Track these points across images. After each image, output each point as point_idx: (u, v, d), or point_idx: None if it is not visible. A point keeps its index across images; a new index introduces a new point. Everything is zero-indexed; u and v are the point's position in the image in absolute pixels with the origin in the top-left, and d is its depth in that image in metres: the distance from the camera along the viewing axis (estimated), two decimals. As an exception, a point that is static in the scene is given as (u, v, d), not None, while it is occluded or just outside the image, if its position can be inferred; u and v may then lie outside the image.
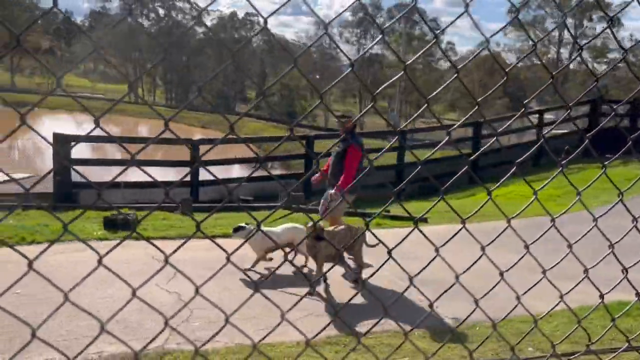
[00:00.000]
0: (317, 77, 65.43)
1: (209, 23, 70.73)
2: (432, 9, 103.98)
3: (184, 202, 8.43)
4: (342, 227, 5.80)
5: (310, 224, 5.43)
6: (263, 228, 5.68)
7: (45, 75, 59.68)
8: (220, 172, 15.65)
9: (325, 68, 66.87)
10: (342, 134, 6.51)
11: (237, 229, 5.94)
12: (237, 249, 1.45)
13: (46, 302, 4.70)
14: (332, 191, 6.38)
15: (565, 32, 50.59)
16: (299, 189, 11.04)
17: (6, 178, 12.12)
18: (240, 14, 72.22)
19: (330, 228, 5.85)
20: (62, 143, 9.74)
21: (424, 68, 58.49)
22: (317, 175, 6.90)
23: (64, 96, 53.83)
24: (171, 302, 4.87)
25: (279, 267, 5.61)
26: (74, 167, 10.13)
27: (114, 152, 22.97)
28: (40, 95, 51.67)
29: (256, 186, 12.25)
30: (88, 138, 12.46)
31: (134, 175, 12.27)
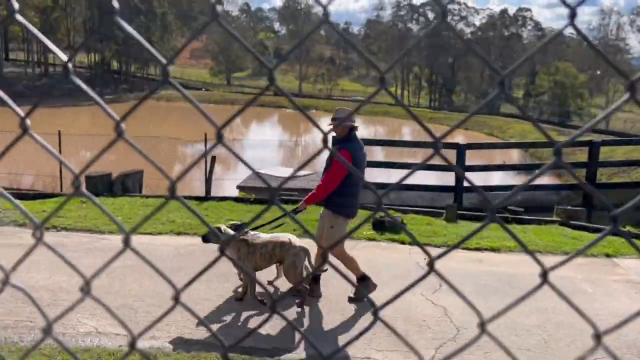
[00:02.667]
0: (598, 72, 57.99)
1: (477, 22, 69.08)
2: None
3: (449, 208, 8.21)
4: (271, 238, 4.85)
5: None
6: (252, 233, 4.67)
7: (326, 82, 66.89)
8: (483, 178, 14.98)
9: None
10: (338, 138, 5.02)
11: (238, 227, 5.04)
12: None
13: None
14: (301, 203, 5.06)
15: None
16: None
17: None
18: (512, 11, 68.62)
19: (260, 240, 4.87)
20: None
21: None
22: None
23: (339, 100, 59.46)
24: (436, 316, 4.70)
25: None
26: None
27: (379, 152, 24.24)
28: (321, 100, 58.01)
29: (526, 195, 11.29)
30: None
31: (397, 176, 12.61)
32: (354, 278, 5.03)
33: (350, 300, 4.97)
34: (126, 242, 0.71)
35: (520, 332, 4.42)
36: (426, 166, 12.50)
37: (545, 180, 22.45)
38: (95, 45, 57.07)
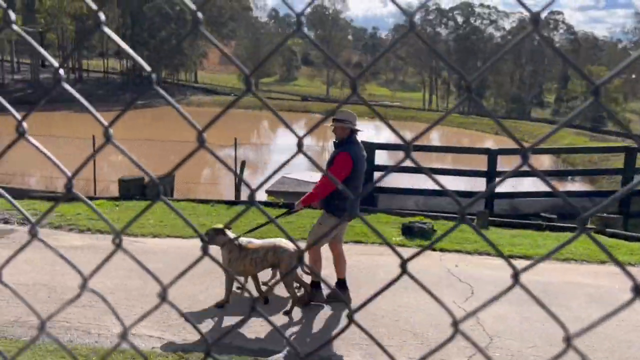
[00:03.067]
0: (633, 76, 56.46)
1: (507, 26, 68.12)
2: None
3: (480, 214, 8.09)
4: (263, 243, 4.85)
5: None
6: (242, 239, 4.66)
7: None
8: (512, 184, 14.70)
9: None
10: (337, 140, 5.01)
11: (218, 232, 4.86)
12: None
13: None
14: (297, 202, 5.01)
15: None
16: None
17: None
18: (543, 14, 67.37)
19: (253, 245, 4.83)
20: (366, 150, 10.52)
21: None
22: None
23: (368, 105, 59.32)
24: (468, 324, 4.63)
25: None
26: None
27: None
28: (348, 105, 58.07)
29: (556, 201, 11.06)
30: (388, 146, 13.24)
31: (425, 182, 12.51)
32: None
33: (286, 313, 4.85)
34: (205, 251, 0.72)
35: (556, 341, 4.31)
36: (455, 171, 12.36)
37: (577, 186, 21.93)
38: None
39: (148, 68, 0.59)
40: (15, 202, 0.83)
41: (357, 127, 5.01)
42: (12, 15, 0.65)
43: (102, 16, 0.56)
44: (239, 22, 72.03)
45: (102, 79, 59.29)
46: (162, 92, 0.60)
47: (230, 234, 4.94)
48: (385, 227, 7.89)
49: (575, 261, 6.64)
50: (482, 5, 69.75)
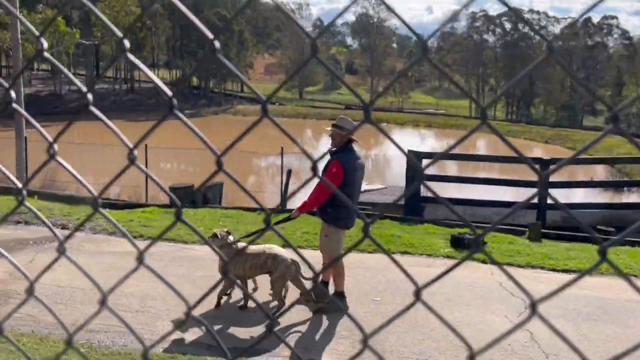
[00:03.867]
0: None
1: (558, 32, 66.06)
2: None
3: (533, 227, 7.85)
4: (262, 249, 4.98)
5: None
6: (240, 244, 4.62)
7: (397, 94, 66.51)
8: (565, 195, 14.15)
9: None
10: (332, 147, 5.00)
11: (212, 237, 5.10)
12: None
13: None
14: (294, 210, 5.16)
15: None
16: None
17: (365, 188, 13.77)
18: (596, 19, 65.01)
19: (252, 250, 4.95)
20: (415, 159, 10.39)
21: None
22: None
23: (410, 113, 58.84)
24: (522, 341, 4.48)
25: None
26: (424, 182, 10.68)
27: (451, 167, 23.65)
28: (392, 113, 57.61)
29: (613, 214, 10.60)
30: (437, 155, 13.03)
31: (472, 192, 12.25)
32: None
33: (316, 311, 4.92)
34: (316, 281, 0.72)
35: (617, 363, 4.11)
36: (505, 181, 12.04)
37: (635, 198, 20.95)
38: (177, 62, 60.11)
39: (262, 98, 0.60)
40: (121, 226, 0.85)
41: (354, 138, 5.10)
42: (127, 44, 0.67)
43: (217, 44, 0.57)
44: (284, 32, 72.95)
45: (152, 89, 61.19)
46: (274, 120, 0.61)
47: (230, 238, 5.06)
48: (433, 238, 7.75)
49: (635, 277, 6.33)
50: (531, 11, 68.16)
